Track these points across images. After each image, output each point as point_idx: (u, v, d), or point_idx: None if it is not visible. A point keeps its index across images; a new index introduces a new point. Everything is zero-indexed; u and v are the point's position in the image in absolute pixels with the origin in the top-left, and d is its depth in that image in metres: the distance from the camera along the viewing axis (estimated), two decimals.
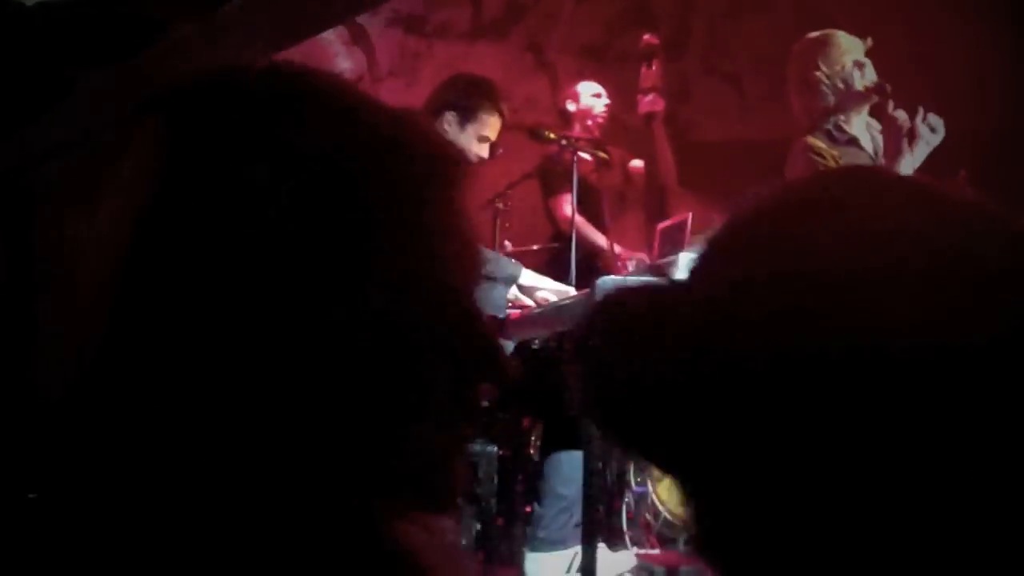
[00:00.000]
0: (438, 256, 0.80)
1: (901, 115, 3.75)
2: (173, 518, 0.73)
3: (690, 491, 0.79)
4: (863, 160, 3.96)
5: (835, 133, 3.97)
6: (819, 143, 3.93)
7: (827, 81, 3.93)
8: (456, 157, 0.85)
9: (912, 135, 3.71)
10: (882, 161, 3.97)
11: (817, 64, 3.93)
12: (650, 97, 4.33)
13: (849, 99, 3.94)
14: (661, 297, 0.80)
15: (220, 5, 2.58)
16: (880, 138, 4.07)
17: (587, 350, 0.80)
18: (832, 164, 3.89)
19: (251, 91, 0.81)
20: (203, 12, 2.59)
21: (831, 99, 3.93)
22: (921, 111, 3.80)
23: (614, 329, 0.80)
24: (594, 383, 0.80)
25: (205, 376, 0.74)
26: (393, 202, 0.79)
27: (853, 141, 4.00)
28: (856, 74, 3.93)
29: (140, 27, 2.77)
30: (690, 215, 3.72)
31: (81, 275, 0.79)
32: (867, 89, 3.90)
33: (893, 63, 4.03)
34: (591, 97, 5.10)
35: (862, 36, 3.96)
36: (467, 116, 3.98)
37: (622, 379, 0.78)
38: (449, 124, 3.99)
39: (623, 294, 0.82)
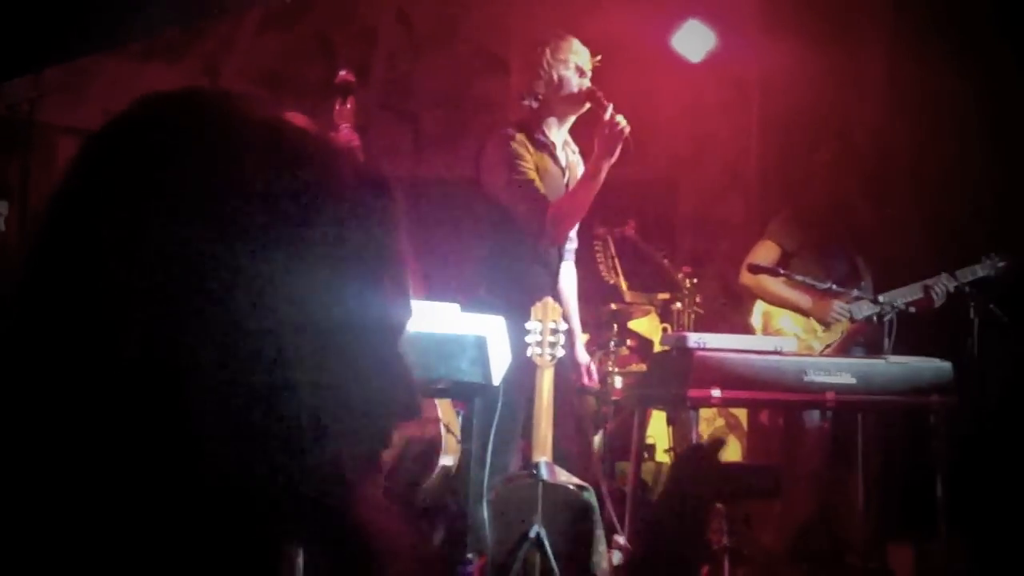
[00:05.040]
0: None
1: (621, 120, 3.95)
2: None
3: None
4: (555, 172, 4.16)
5: (539, 137, 4.13)
6: (518, 134, 4.11)
7: (546, 68, 4.09)
8: (384, 181, 0.84)
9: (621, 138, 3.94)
10: (575, 176, 4.23)
11: (544, 51, 4.11)
12: (345, 127, 4.28)
13: (560, 98, 4.12)
14: None
15: None
16: (575, 157, 4.28)
17: None
18: (529, 164, 4.07)
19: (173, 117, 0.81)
20: None
21: (542, 87, 4.11)
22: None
23: None
24: None
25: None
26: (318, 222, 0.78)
27: (548, 148, 4.17)
28: (573, 78, 4.10)
29: None
30: None
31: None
32: (580, 93, 4.08)
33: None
34: None
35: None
36: None
37: None
38: None
39: None
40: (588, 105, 4.12)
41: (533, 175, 4.10)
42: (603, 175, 4.04)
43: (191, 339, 0.74)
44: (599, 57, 4.17)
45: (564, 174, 4.25)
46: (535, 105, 4.19)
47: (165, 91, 0.84)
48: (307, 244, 0.77)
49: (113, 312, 0.75)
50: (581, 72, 4.14)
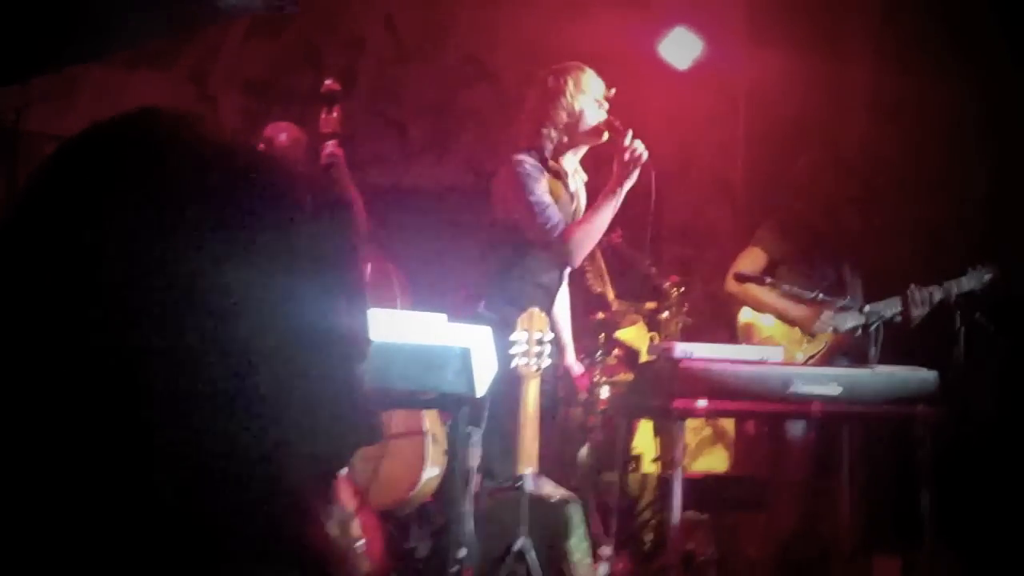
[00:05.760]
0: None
1: (639, 145, 3.99)
2: None
3: None
4: (565, 199, 4.18)
5: (553, 165, 4.14)
6: (535, 162, 4.11)
7: (567, 100, 4.10)
8: (347, 202, 0.84)
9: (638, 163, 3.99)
10: (580, 204, 4.29)
11: (566, 82, 4.13)
12: (331, 143, 4.28)
13: (580, 129, 4.14)
14: None
15: None
16: (582, 186, 4.29)
17: None
18: (545, 189, 4.08)
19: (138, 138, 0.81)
20: None
21: (564, 117, 4.12)
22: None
23: None
24: None
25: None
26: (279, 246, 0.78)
27: (561, 176, 4.17)
28: (593, 110, 4.12)
29: None
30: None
31: None
32: (598, 127, 4.11)
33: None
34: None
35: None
36: None
37: None
38: None
39: None
40: (607, 136, 4.15)
41: (549, 199, 4.12)
42: (621, 198, 4.08)
43: (145, 364, 0.74)
44: (614, 90, 4.20)
45: (572, 201, 4.28)
46: (555, 135, 4.20)
47: (124, 112, 0.84)
48: (261, 266, 0.77)
49: (67, 325, 0.75)
50: (599, 103, 4.17)
